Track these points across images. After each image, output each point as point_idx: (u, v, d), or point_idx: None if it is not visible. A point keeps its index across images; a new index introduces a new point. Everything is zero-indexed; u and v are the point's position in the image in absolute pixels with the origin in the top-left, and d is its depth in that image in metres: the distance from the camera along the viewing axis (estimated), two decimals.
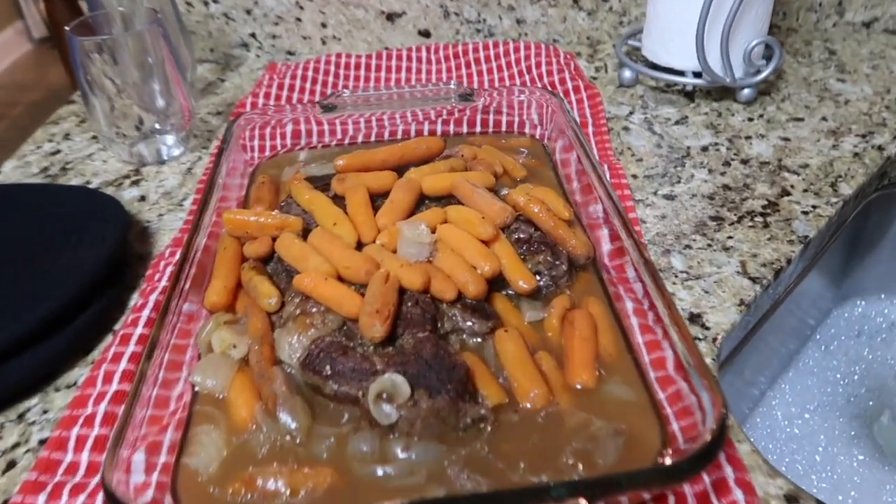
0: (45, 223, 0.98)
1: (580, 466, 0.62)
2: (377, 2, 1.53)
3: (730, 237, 0.96)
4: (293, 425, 0.67)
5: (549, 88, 1.35)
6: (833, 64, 1.41)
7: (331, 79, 1.46)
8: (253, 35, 1.59)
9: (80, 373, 0.83)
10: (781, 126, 1.21)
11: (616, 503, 0.58)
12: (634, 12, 1.54)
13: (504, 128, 1.17)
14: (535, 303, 0.79)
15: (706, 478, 0.66)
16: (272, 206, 0.97)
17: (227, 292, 0.81)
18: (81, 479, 0.70)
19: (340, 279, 0.78)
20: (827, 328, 1.20)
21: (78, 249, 0.92)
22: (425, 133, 1.17)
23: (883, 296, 1.22)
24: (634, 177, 1.10)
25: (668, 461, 0.60)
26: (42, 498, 0.68)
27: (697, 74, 1.28)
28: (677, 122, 1.24)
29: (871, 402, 1.09)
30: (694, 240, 0.96)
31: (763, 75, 1.24)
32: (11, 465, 0.74)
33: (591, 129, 1.23)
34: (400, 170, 0.96)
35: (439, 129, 1.17)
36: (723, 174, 1.09)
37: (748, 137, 1.18)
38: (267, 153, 1.16)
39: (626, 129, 1.24)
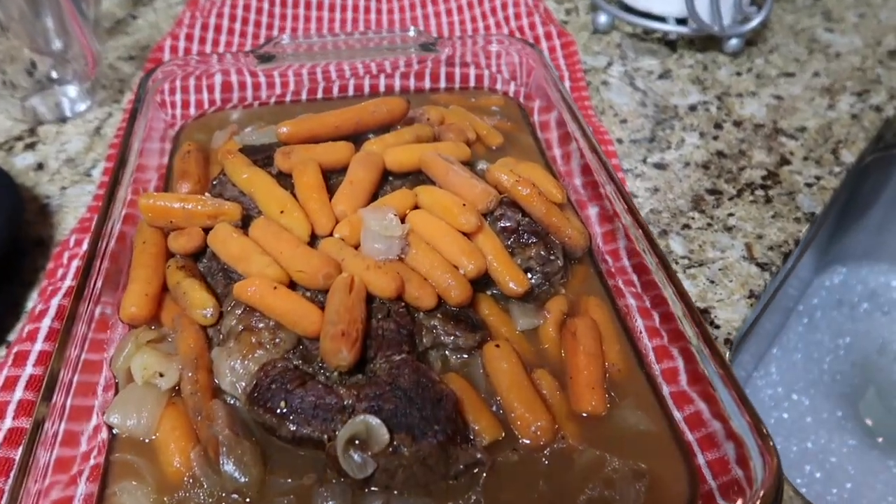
0: None
1: None
2: None
3: (731, 214, 0.86)
4: (241, 479, 0.54)
5: (518, 35, 1.19)
6: (819, 11, 1.31)
7: (265, 18, 1.25)
8: None
9: None
10: (772, 82, 1.10)
11: None
12: None
13: (472, 83, 1.02)
14: (527, 306, 0.67)
15: None
16: (201, 182, 0.80)
17: (149, 301, 0.65)
18: None
19: (292, 284, 0.63)
20: (809, 298, 1.14)
21: None
22: (381, 89, 1.01)
23: (865, 263, 1.17)
24: (620, 141, 0.98)
25: None
26: None
27: (680, 21, 1.15)
28: (661, 77, 1.12)
29: (856, 380, 1.04)
30: (692, 218, 0.85)
31: (754, 23, 1.12)
32: None
33: (567, 83, 1.09)
34: (356, 138, 0.81)
35: (397, 84, 1.01)
36: (715, 138, 0.98)
37: (739, 95, 1.07)
38: (192, 112, 0.97)
39: (605, 83, 1.11)
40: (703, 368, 0.58)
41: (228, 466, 0.54)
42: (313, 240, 0.68)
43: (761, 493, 0.46)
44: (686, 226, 0.84)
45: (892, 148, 1.06)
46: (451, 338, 0.62)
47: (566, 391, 0.61)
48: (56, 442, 0.55)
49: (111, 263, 0.68)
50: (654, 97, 1.07)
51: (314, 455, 0.55)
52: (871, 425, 0.98)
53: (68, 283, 0.75)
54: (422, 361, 0.60)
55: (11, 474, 0.54)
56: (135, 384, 0.60)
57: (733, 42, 1.15)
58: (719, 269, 0.79)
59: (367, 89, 1.00)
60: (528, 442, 0.57)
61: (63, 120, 1.04)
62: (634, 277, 0.71)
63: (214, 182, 0.77)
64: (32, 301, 0.77)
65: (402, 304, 0.63)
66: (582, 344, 0.62)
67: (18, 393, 0.64)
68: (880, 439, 0.97)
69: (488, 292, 0.68)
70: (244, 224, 0.70)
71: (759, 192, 0.89)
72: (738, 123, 1.01)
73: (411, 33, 0.96)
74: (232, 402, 0.60)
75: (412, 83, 1.01)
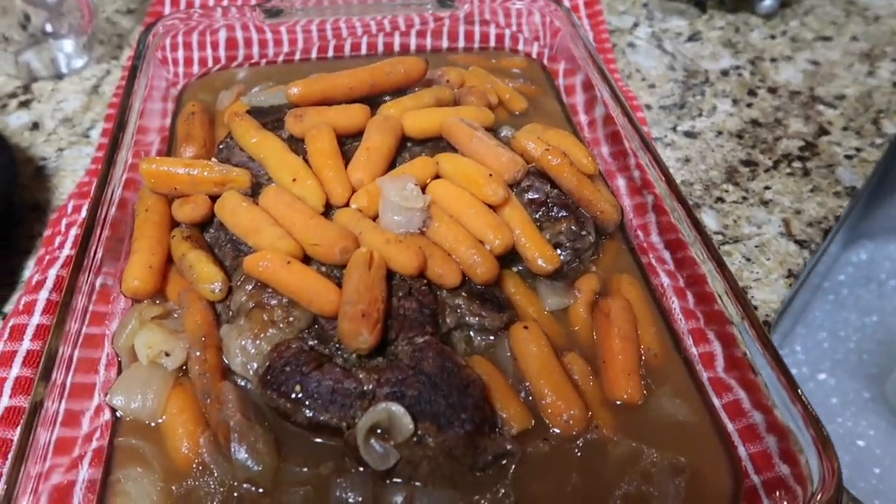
0: None
1: None
2: None
3: (767, 187, 0.81)
4: (254, 467, 0.50)
5: None
6: None
7: None
8: None
9: None
10: (808, 46, 1.04)
11: None
12: None
13: (493, 43, 0.96)
14: (557, 284, 0.63)
15: None
16: (207, 146, 0.75)
17: (153, 273, 0.61)
18: None
19: (306, 257, 0.59)
20: (835, 274, 1.10)
21: None
22: (396, 48, 0.95)
23: (893, 239, 1.12)
24: (648, 107, 0.93)
25: None
26: None
27: None
28: (690, 39, 1.06)
29: (883, 359, 1.01)
30: (726, 190, 0.81)
31: None
32: None
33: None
34: (371, 100, 0.75)
35: (413, 42, 0.95)
36: (749, 106, 0.93)
37: (773, 60, 1.01)
38: (195, 69, 0.91)
39: (631, 45, 1.04)
40: (747, 351, 0.54)
41: (240, 454, 0.51)
42: (328, 210, 0.63)
43: (819, 497, 0.42)
44: (720, 199, 0.80)
45: None
46: (477, 318, 0.58)
47: (599, 377, 0.57)
48: (56, 422, 0.52)
49: (112, 231, 0.64)
50: (684, 61, 1.01)
51: (331, 443, 0.52)
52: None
53: (66, 252, 0.71)
54: (445, 343, 0.56)
55: (9, 456, 0.51)
56: (139, 364, 0.56)
57: (767, 3, 1.08)
58: (755, 246, 0.74)
59: (380, 48, 0.94)
60: (559, 432, 0.53)
61: (59, 76, 0.99)
62: (667, 255, 0.66)
63: (221, 146, 0.72)
64: (29, 270, 0.73)
65: (424, 281, 0.58)
66: (616, 326, 0.58)
67: (15, 369, 0.61)
68: None
69: (514, 269, 0.64)
70: (253, 192, 0.65)
71: (797, 164, 0.84)
72: (772, 90, 0.96)
73: None
74: (243, 384, 0.56)
75: (429, 42, 0.95)
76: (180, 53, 0.91)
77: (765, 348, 0.52)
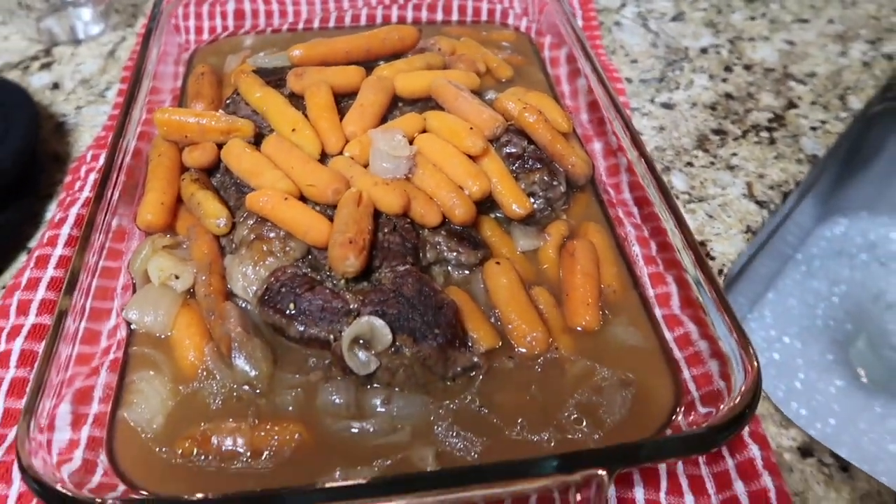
0: None
1: (584, 423, 0.55)
2: None
3: (734, 154, 0.87)
4: (252, 372, 0.57)
5: None
6: None
7: None
8: None
9: None
10: (786, 27, 1.10)
11: None
12: None
13: (484, 17, 1.02)
14: (529, 229, 0.69)
15: None
16: (215, 103, 0.82)
17: (165, 210, 0.68)
18: None
19: (302, 198, 0.65)
20: (808, 247, 1.16)
21: None
22: (393, 20, 1.01)
23: (866, 214, 1.18)
24: (629, 80, 0.99)
25: (686, 422, 0.54)
26: None
27: None
28: (674, 19, 1.11)
29: (848, 326, 1.07)
30: (696, 156, 0.87)
31: None
32: None
33: (579, 21, 1.09)
34: (367, 65, 0.82)
35: (409, 15, 1.01)
36: (724, 80, 0.99)
37: (751, 39, 1.07)
38: (205, 36, 0.98)
39: (618, 24, 1.10)
40: (698, 295, 0.59)
41: (240, 360, 0.57)
42: (323, 159, 0.70)
43: (738, 399, 0.49)
44: (689, 163, 0.86)
45: None
46: (454, 254, 0.64)
47: (562, 307, 0.63)
48: (77, 338, 0.58)
49: (127, 177, 0.70)
50: (666, 38, 1.07)
51: (320, 355, 0.59)
52: (861, 370, 1.01)
53: (86, 194, 0.77)
54: (425, 274, 0.62)
55: (35, 364, 0.57)
56: (152, 285, 0.63)
57: None
58: (719, 205, 0.80)
59: (379, 19, 1.01)
60: (523, 351, 0.60)
61: (78, 42, 1.05)
62: (635, 210, 0.72)
63: (228, 101, 0.79)
64: (51, 211, 0.79)
65: (408, 220, 0.65)
66: (579, 263, 0.64)
67: (41, 292, 0.67)
68: (866, 381, 1.00)
69: (492, 215, 0.70)
70: (256, 142, 0.72)
71: (764, 134, 0.90)
72: (748, 67, 1.02)
73: None
74: (244, 305, 0.63)
75: (424, 15, 1.01)
76: (192, 22, 0.97)
77: (710, 283, 0.58)
